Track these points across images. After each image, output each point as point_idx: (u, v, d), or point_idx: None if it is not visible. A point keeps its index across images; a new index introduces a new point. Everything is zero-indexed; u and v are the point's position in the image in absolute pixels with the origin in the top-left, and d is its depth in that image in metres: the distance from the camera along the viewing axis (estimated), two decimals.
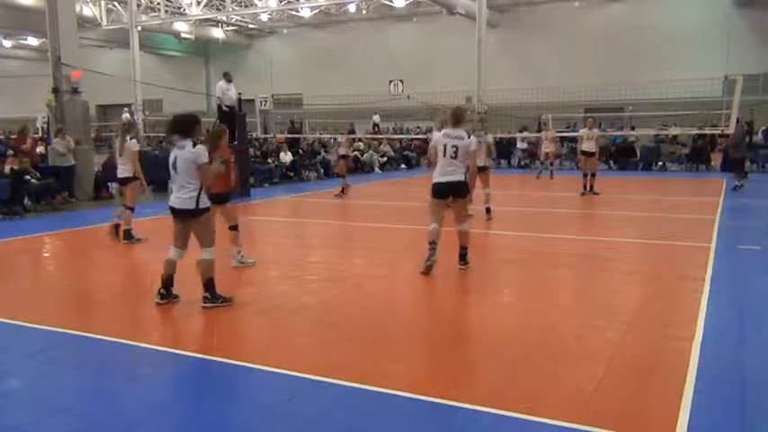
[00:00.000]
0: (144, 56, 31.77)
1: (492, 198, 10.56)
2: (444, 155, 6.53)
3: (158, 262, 7.89)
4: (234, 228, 7.24)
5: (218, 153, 6.21)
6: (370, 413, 3.61)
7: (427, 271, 6.62)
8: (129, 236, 8.74)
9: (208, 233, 5.52)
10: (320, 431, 3.41)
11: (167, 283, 5.62)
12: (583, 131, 14.63)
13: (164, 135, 28.16)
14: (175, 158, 5.38)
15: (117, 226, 8.90)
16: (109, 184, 14.92)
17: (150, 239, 8.82)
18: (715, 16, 26.60)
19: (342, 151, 14.86)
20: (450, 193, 6.65)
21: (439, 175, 6.59)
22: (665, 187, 16.35)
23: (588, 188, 14.10)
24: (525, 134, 22.99)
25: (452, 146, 6.50)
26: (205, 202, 5.45)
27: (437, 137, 6.75)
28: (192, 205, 5.37)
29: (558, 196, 14.20)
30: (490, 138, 10.97)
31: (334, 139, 25.38)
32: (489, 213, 10.38)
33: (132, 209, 8.79)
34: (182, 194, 5.39)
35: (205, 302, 5.50)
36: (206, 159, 5.40)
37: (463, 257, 6.87)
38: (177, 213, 5.50)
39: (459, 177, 6.57)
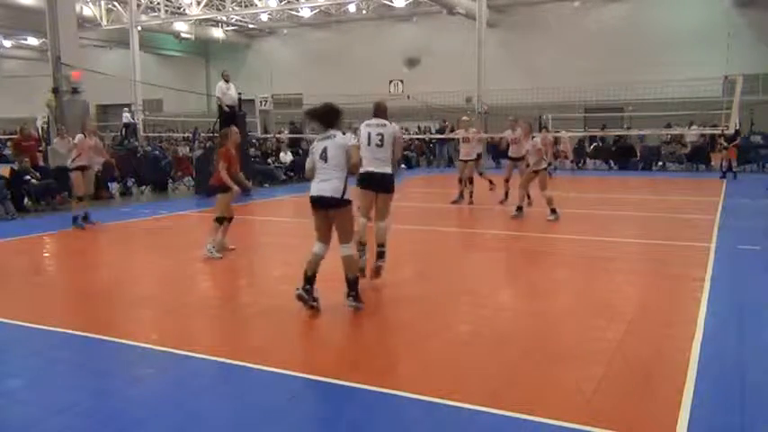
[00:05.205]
0: (144, 56, 31.77)
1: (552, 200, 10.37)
2: (369, 144, 6.22)
3: (158, 262, 7.94)
4: (218, 220, 7.61)
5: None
6: (370, 413, 3.61)
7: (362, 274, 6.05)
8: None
9: (348, 228, 5.38)
10: (320, 431, 3.42)
11: (311, 280, 5.35)
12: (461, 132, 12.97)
13: (164, 135, 28.30)
14: (325, 148, 5.24)
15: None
16: (108, 184, 14.95)
17: (148, 240, 8.83)
18: (715, 16, 26.58)
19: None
20: (373, 185, 6.26)
21: (365, 166, 6.07)
22: (666, 187, 16.34)
23: (460, 195, 12.59)
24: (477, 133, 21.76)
25: (377, 134, 6.22)
26: (349, 194, 5.28)
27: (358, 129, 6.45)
28: (338, 194, 5.20)
29: (556, 196, 14.18)
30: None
31: None
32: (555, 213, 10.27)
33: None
34: (328, 184, 5.21)
35: (351, 301, 5.33)
36: (355, 142, 5.40)
37: (381, 255, 6.37)
38: (322, 202, 5.26)
39: (386, 170, 6.26)
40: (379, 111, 6.51)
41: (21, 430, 3.48)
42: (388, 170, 6.33)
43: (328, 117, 5.34)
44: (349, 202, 5.28)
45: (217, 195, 7.73)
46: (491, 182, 13.28)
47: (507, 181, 12.35)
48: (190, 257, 8.01)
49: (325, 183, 5.21)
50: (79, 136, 10.10)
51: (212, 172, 7.87)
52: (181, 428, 3.46)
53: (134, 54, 27.88)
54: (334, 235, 5.42)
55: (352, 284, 5.30)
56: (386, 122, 6.38)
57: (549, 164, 18.47)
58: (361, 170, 6.11)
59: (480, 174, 13.94)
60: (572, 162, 18.70)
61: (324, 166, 5.23)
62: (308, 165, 5.48)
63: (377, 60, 32.87)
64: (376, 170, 6.22)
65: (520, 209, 10.81)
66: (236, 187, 7.69)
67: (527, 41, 30.07)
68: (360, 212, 6.39)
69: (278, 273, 7.43)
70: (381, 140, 6.26)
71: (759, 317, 5.31)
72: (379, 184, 6.29)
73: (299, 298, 5.31)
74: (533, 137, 10.97)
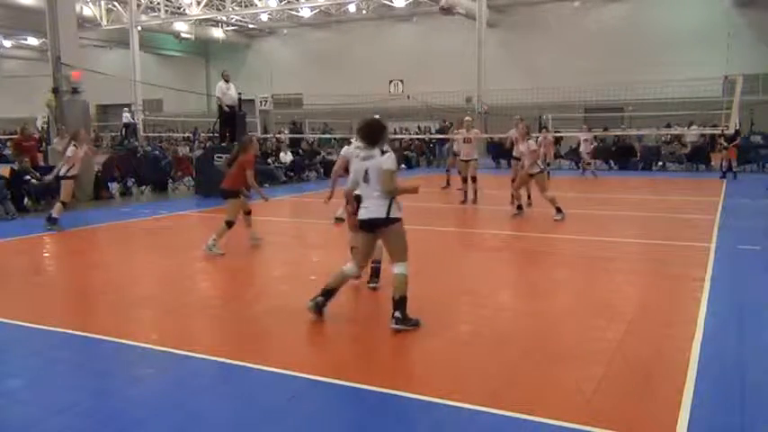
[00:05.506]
0: (144, 56, 31.82)
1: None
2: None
3: (158, 262, 7.95)
4: (228, 223, 7.85)
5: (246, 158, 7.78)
6: (370, 413, 3.61)
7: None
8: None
9: (400, 246, 5.09)
10: (320, 431, 3.42)
11: (328, 294, 5.16)
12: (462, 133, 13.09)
13: (164, 135, 28.29)
14: (366, 170, 5.04)
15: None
16: (108, 184, 14.95)
17: (148, 240, 8.82)
18: (715, 16, 26.61)
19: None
20: None
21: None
22: (666, 187, 16.34)
23: (465, 195, 12.78)
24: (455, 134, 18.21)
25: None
26: (396, 212, 5.03)
27: (349, 149, 6.32)
28: (382, 214, 4.98)
29: (557, 197, 14.18)
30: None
31: (335, 139, 25.42)
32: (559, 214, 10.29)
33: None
34: (374, 206, 5.02)
35: (396, 323, 4.89)
36: (393, 167, 5.05)
37: (377, 272, 6.20)
38: (366, 224, 5.10)
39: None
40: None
41: (21, 430, 3.48)
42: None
43: (372, 134, 5.11)
44: (396, 220, 5.03)
45: (228, 200, 8.01)
46: (448, 182, 13.81)
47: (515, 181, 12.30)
48: (190, 257, 8.01)
49: (371, 205, 5.05)
50: (71, 149, 10.10)
51: (224, 176, 8.16)
52: (181, 428, 3.46)
53: (134, 54, 27.92)
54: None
55: (398, 304, 4.93)
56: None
57: (549, 164, 18.55)
58: (357, 192, 6.03)
59: (447, 170, 14.60)
60: (587, 165, 18.49)
61: (367, 188, 5.08)
62: (350, 183, 5.34)
63: (377, 60, 32.92)
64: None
65: (520, 208, 10.86)
66: (262, 192, 8.41)
67: (527, 41, 30.11)
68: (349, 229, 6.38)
69: (278, 273, 7.45)
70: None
71: (759, 317, 5.31)
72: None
73: (314, 310, 5.14)
74: (528, 139, 10.94)
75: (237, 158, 7.96)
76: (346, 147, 6.66)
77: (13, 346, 4.85)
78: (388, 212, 4.99)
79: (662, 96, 22.85)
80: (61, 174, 10.07)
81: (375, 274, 6.20)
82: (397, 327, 4.89)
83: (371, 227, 5.08)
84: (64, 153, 10.81)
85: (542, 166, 10.85)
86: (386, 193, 4.97)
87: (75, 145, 10.14)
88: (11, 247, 9.00)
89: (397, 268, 5.01)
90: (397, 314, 4.89)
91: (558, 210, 10.29)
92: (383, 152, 5.04)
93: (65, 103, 13.85)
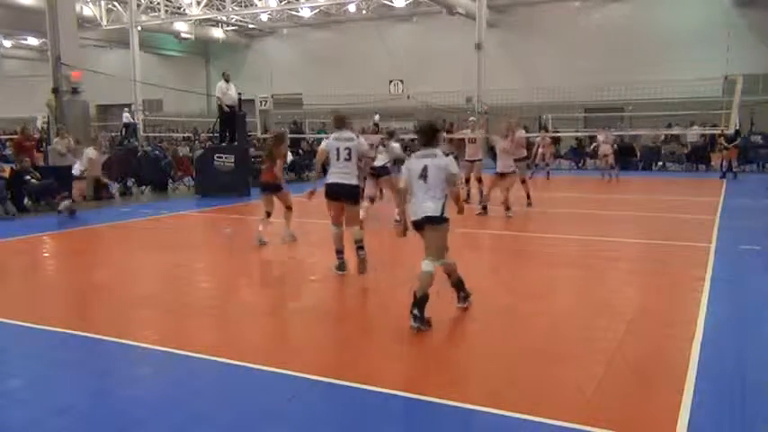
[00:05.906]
0: (144, 56, 31.75)
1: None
2: (338, 159, 6.55)
3: (159, 262, 7.95)
4: (289, 208, 8.60)
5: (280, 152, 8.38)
6: (369, 413, 3.61)
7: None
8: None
9: (441, 245, 5.14)
10: (320, 431, 3.42)
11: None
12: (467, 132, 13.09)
13: (164, 135, 28.29)
14: (425, 167, 5.06)
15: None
16: (109, 184, 14.94)
17: (148, 240, 8.82)
18: (715, 16, 26.57)
19: None
20: (341, 196, 6.58)
21: (331, 176, 6.59)
22: (666, 187, 16.34)
23: (467, 195, 12.52)
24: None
25: (345, 148, 6.55)
26: (447, 211, 5.09)
27: (328, 142, 6.78)
28: (438, 212, 5.04)
29: (554, 196, 14.20)
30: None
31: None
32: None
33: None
34: (431, 204, 5.03)
35: (414, 321, 4.89)
36: (457, 170, 5.22)
37: (361, 248, 6.61)
38: (421, 222, 5.09)
39: (351, 181, 6.56)
40: (342, 122, 6.77)
41: (21, 430, 3.48)
42: (354, 182, 6.61)
43: (428, 135, 5.24)
44: (446, 219, 5.10)
45: (277, 193, 8.54)
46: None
47: (524, 182, 12.23)
48: (190, 257, 8.01)
49: (427, 204, 5.05)
50: (92, 151, 10.83)
51: (261, 170, 9.02)
52: (181, 428, 3.46)
53: (134, 54, 27.86)
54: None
55: (418, 302, 4.93)
56: (353, 136, 6.71)
57: (548, 164, 18.54)
58: (328, 181, 6.55)
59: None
60: (547, 165, 18.23)
61: (423, 186, 5.08)
62: (401, 182, 5.35)
63: (377, 60, 32.86)
64: (342, 182, 6.51)
65: (485, 208, 11.11)
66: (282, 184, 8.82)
67: (527, 41, 30.06)
68: (331, 221, 6.74)
69: (278, 272, 7.45)
70: (349, 154, 6.55)
71: (759, 317, 5.31)
72: (345, 194, 6.55)
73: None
74: (511, 135, 11.06)
75: (273, 151, 8.57)
76: (325, 140, 6.94)
77: (13, 346, 4.85)
78: (442, 212, 5.06)
79: (662, 96, 22.81)
80: (77, 174, 10.59)
81: (360, 248, 6.54)
82: (414, 325, 4.87)
83: (422, 224, 5.10)
84: (71, 153, 11.08)
85: (514, 168, 11.13)
86: (451, 191, 5.12)
87: (95, 149, 10.84)
88: (11, 247, 9.00)
89: (427, 266, 5.03)
90: (416, 312, 4.89)
91: (485, 208, 10.99)
92: (446, 154, 5.22)
93: (65, 103, 13.87)
